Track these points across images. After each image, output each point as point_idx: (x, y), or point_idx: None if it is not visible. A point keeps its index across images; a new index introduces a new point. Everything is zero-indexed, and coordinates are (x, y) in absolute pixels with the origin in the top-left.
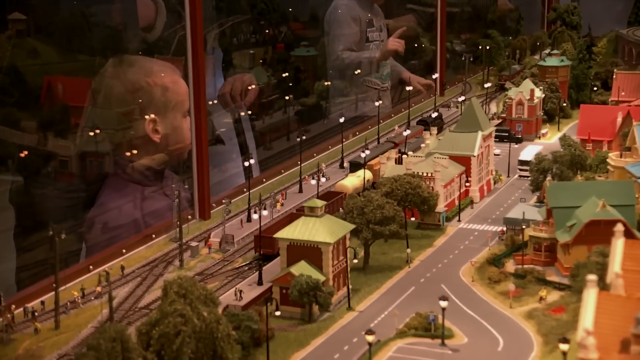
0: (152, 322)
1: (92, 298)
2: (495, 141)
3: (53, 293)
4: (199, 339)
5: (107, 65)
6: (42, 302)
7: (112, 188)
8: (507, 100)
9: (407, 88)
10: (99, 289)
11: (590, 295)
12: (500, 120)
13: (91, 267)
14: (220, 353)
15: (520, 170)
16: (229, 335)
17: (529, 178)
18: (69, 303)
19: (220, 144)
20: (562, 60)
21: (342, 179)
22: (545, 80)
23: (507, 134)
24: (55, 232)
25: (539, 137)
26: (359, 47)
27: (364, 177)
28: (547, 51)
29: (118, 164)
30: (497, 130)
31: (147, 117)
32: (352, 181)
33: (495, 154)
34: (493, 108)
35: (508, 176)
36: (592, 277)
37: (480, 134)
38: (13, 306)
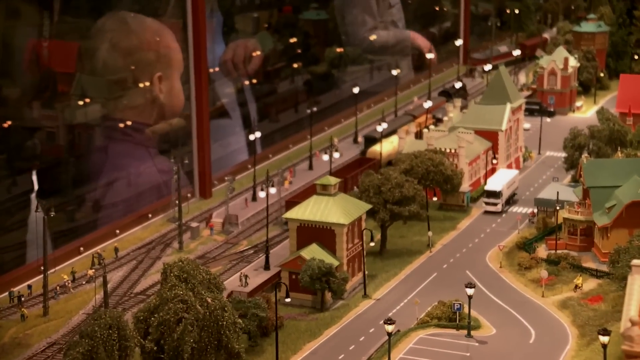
0: (151, 309)
1: (84, 282)
2: (525, 115)
3: (41, 276)
4: (202, 327)
5: (105, 22)
6: (29, 286)
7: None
8: (538, 69)
9: (428, 56)
10: (90, 272)
11: (636, 282)
12: (530, 92)
13: (82, 248)
14: (225, 343)
15: (487, 203)
16: (235, 324)
17: (501, 213)
18: (58, 287)
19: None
20: (600, 26)
21: (375, 144)
22: (580, 47)
23: (538, 107)
24: (44, 209)
25: (573, 111)
26: (377, 14)
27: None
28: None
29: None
30: (527, 103)
31: (156, 74)
32: (385, 147)
33: (525, 129)
34: (522, 78)
35: (539, 153)
36: (637, 262)
37: (508, 106)
38: None
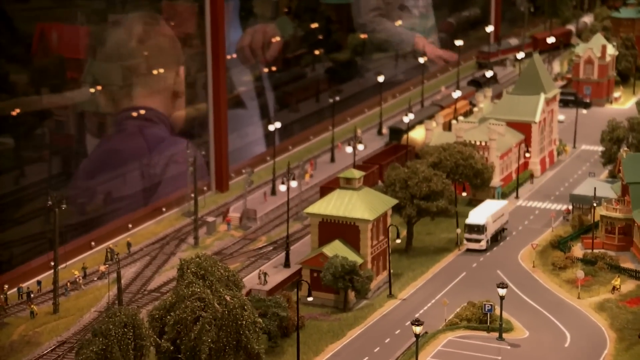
0: (167, 307)
1: (95, 279)
2: (559, 106)
3: (51, 272)
4: (220, 327)
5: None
6: (39, 282)
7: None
8: (573, 58)
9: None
10: (102, 268)
11: None
12: (565, 82)
13: (93, 243)
14: (244, 343)
15: (468, 240)
16: (255, 323)
17: (483, 247)
18: (69, 284)
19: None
20: None
21: (412, 130)
22: (619, 35)
23: (573, 98)
24: (54, 201)
25: (611, 102)
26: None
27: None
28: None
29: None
30: (562, 93)
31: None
32: (422, 134)
33: (559, 121)
34: (557, 67)
35: (574, 147)
36: None
37: (542, 97)
38: (6, 286)
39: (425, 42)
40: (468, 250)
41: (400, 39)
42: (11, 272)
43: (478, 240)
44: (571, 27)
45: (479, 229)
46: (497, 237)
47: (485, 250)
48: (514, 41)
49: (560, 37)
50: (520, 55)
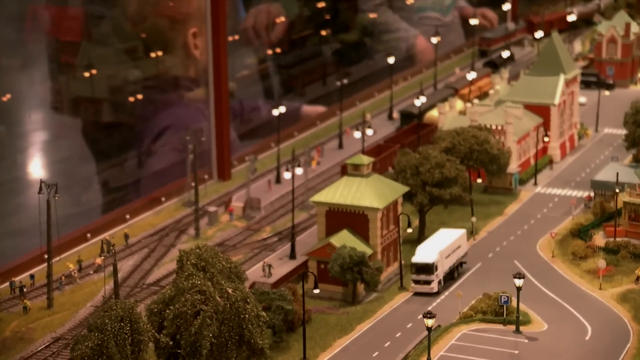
0: (166, 300)
1: (91, 272)
2: (580, 87)
3: (45, 265)
4: (222, 321)
5: None
6: (32, 276)
7: None
8: (595, 37)
9: (472, 21)
10: (99, 260)
11: None
12: (587, 62)
13: (89, 235)
14: (247, 338)
15: (415, 282)
16: (258, 317)
17: (434, 290)
18: (63, 277)
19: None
20: None
21: (432, 109)
22: None
23: (595, 79)
24: (49, 190)
25: (635, 83)
26: None
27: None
28: None
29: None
30: (583, 74)
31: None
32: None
33: (580, 103)
34: (577, 47)
35: (596, 130)
36: None
37: (562, 78)
38: None
39: (426, 43)
40: (416, 293)
41: (399, 37)
42: (3, 266)
43: (428, 282)
44: (572, 9)
45: (428, 268)
46: (453, 275)
47: (436, 293)
48: (511, 26)
49: (557, 22)
50: (539, 34)
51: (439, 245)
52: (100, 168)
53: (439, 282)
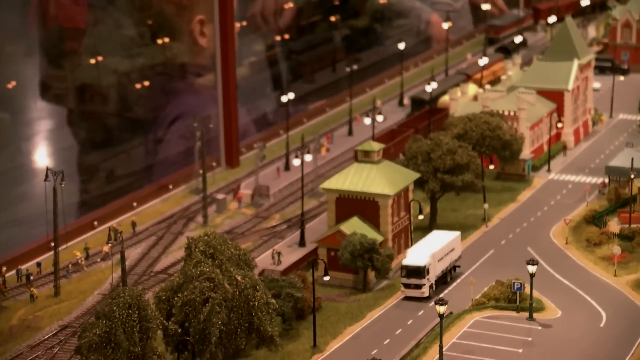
0: (174, 288)
1: (98, 260)
2: (594, 73)
3: (51, 253)
4: (231, 308)
5: None
6: (39, 264)
7: None
8: (610, 21)
9: (484, 7)
10: (106, 248)
11: None
12: (601, 47)
13: (96, 222)
14: (257, 325)
15: (406, 285)
16: (268, 305)
17: (425, 294)
18: (70, 265)
19: None
20: None
21: (445, 94)
22: None
23: (609, 64)
24: (55, 178)
25: None
26: None
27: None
28: None
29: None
30: (597, 59)
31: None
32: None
33: (594, 89)
34: (592, 32)
35: (611, 116)
36: None
37: (576, 63)
38: (4, 268)
39: (441, 21)
40: (406, 297)
41: (414, 14)
42: (9, 254)
43: (418, 286)
44: None
45: (419, 271)
46: (446, 279)
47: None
48: (519, 13)
49: (563, 8)
50: (552, 19)
51: (432, 248)
52: (106, 156)
53: (431, 287)
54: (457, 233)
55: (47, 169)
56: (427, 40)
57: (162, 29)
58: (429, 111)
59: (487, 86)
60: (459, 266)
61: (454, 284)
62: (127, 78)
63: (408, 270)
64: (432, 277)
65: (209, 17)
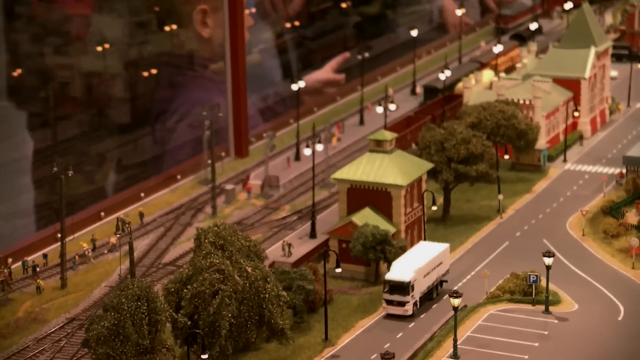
0: (183, 279)
1: (105, 251)
2: (612, 61)
3: (58, 244)
4: (241, 301)
5: None
6: (45, 256)
7: None
8: (627, 8)
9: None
10: (113, 240)
11: None
12: (618, 34)
13: (102, 213)
14: (267, 318)
15: (388, 301)
16: (279, 297)
17: (408, 313)
18: (77, 257)
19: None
20: None
21: (459, 81)
22: None
23: (627, 52)
24: (60, 168)
25: None
26: None
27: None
28: None
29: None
30: (614, 47)
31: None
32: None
33: (611, 77)
34: (609, 18)
35: (628, 105)
36: None
37: (593, 50)
38: (10, 260)
39: (455, 5)
40: (388, 314)
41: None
42: (15, 245)
43: (402, 304)
44: None
45: (403, 288)
46: (432, 295)
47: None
48: (528, 1)
49: None
50: (568, 5)
51: (418, 262)
52: (113, 145)
53: (415, 304)
54: (446, 245)
55: (54, 158)
56: (440, 27)
57: (168, 17)
58: (445, 98)
59: (502, 74)
60: (446, 281)
61: (469, 276)
62: (134, 66)
63: (391, 286)
64: (416, 293)
65: (216, 5)
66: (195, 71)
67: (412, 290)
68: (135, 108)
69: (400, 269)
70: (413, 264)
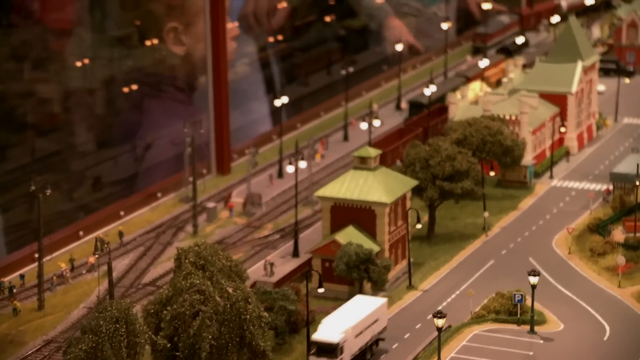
0: (163, 301)
1: (84, 272)
2: (599, 75)
3: (35, 265)
4: (222, 322)
5: None
6: (22, 276)
7: None
8: (615, 21)
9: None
10: (92, 259)
11: None
12: (606, 48)
13: (81, 232)
14: (248, 339)
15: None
16: (260, 318)
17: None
18: (55, 277)
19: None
20: None
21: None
22: None
23: (615, 66)
24: (38, 187)
25: None
26: None
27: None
28: None
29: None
30: (602, 61)
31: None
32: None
33: (599, 92)
34: (596, 32)
35: (616, 120)
36: None
37: (580, 65)
38: None
39: (402, 25)
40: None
41: (371, 14)
42: None
43: None
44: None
45: (332, 350)
46: (365, 356)
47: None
48: (505, 19)
49: (545, 12)
50: (555, 19)
51: (350, 320)
52: (93, 162)
53: None
54: (384, 300)
55: (31, 176)
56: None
57: (149, 31)
58: (439, 109)
59: (488, 89)
60: (383, 339)
61: (453, 295)
62: (113, 82)
63: (319, 347)
64: (346, 356)
65: (189, 21)
66: (176, 87)
67: (342, 352)
68: (114, 124)
69: (329, 329)
70: (344, 322)
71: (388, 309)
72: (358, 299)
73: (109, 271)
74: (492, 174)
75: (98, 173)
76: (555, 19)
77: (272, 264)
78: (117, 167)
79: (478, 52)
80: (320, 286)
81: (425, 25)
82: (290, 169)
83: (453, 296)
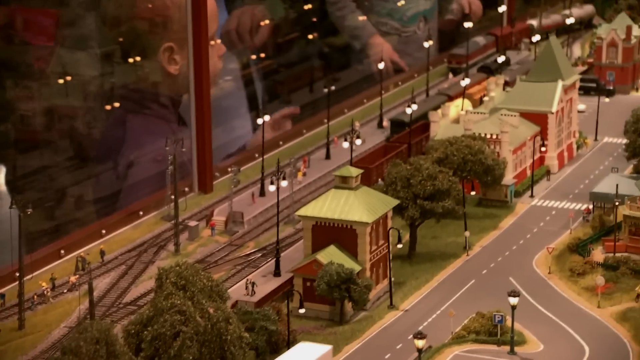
0: (144, 321)
1: (65, 290)
2: (579, 94)
3: (16, 284)
4: (203, 342)
5: None
6: (2, 295)
7: None
8: (595, 40)
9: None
10: (73, 279)
11: None
12: (586, 67)
13: (62, 251)
14: None
15: None
16: (241, 338)
17: None
18: (35, 297)
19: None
20: None
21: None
22: None
23: (595, 85)
24: (19, 205)
25: (637, 89)
26: None
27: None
28: None
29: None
30: (582, 80)
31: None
32: (455, 111)
33: (579, 110)
34: (576, 51)
35: (596, 139)
36: None
37: (560, 84)
38: None
39: (386, 44)
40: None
41: (355, 34)
42: None
43: None
44: (533, 22)
45: None
46: None
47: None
48: (481, 40)
49: (517, 33)
50: (536, 37)
51: None
52: (74, 180)
53: None
54: (328, 348)
55: (12, 195)
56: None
57: (133, 48)
58: (424, 125)
59: (469, 107)
60: None
61: (434, 315)
62: (96, 99)
63: None
64: None
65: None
66: (159, 104)
67: None
68: (96, 142)
69: None
70: None
71: (368, 330)
72: (301, 346)
73: (90, 291)
74: (473, 193)
75: (80, 191)
76: (536, 37)
77: (253, 284)
78: (98, 185)
79: (454, 73)
80: (301, 306)
81: (404, 44)
82: (272, 187)
83: (434, 316)
